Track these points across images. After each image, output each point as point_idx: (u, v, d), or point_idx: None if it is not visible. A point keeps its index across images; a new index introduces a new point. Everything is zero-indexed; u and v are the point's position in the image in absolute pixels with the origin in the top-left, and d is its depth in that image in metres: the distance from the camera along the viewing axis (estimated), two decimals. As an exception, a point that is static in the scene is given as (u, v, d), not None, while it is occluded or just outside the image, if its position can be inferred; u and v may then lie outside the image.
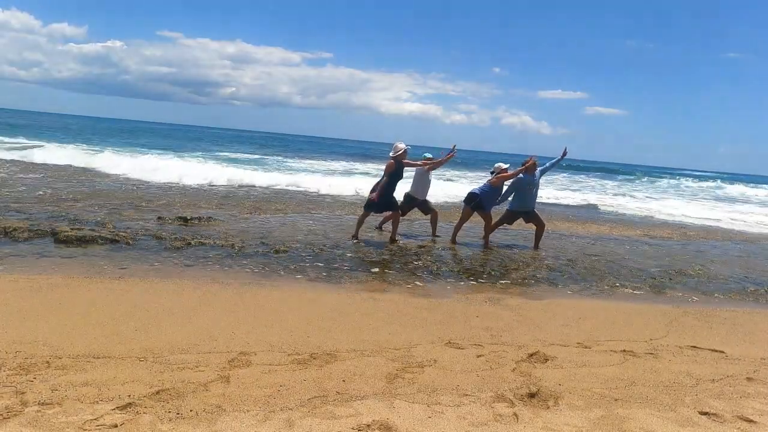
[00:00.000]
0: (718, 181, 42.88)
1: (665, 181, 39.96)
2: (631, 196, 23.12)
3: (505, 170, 8.03)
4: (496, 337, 3.99)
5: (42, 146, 20.08)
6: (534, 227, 8.29)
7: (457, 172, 26.92)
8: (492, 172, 8.12)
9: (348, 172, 23.64)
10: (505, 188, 8.10)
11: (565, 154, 8.35)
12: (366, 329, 3.95)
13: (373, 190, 7.77)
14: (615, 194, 23.31)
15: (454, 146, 8.44)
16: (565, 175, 33.02)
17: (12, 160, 15.78)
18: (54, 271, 4.95)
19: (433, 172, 8.49)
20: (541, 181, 8.28)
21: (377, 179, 8.03)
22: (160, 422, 2.42)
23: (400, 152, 7.57)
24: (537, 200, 8.38)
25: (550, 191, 18.71)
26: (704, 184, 39.02)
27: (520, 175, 8.01)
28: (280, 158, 30.90)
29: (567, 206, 16.04)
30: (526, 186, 8.03)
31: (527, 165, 8.00)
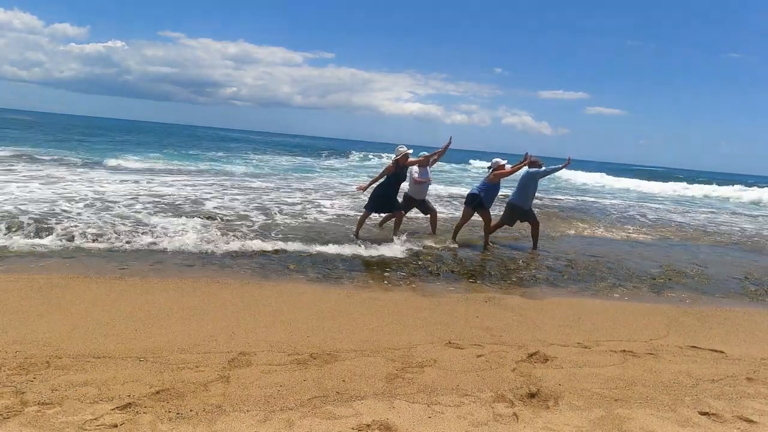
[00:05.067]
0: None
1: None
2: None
3: (503, 166, 8.05)
4: (496, 337, 3.99)
5: None
6: (530, 226, 8.34)
7: (456, 166, 26.93)
8: (489, 167, 8.14)
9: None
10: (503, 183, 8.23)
11: (567, 164, 8.35)
12: (366, 329, 3.95)
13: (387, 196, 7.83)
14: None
15: (450, 138, 8.67)
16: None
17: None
18: (54, 271, 4.95)
19: (431, 174, 8.58)
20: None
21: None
22: (160, 422, 2.42)
23: (400, 156, 7.67)
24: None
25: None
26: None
27: (526, 168, 8.08)
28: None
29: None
30: (530, 182, 8.08)
31: (526, 161, 8.04)
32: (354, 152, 45.44)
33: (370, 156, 41.71)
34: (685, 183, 33.14)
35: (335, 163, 31.49)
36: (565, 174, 27.34)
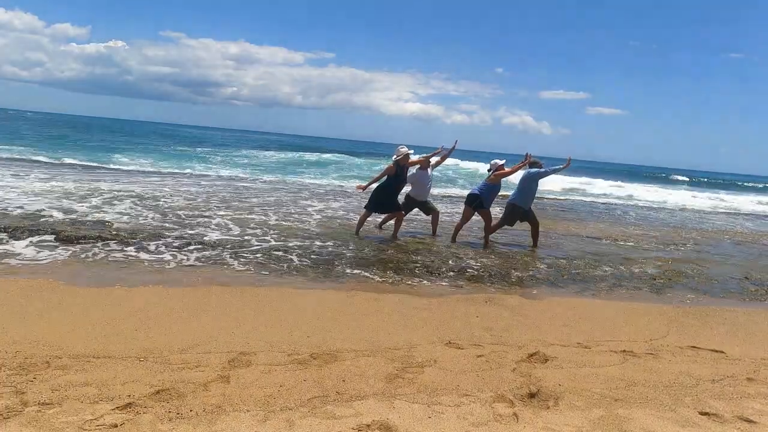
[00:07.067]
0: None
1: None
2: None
3: (502, 166, 8.05)
4: (496, 337, 3.99)
5: None
6: (530, 226, 8.35)
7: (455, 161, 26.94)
8: (489, 170, 8.14)
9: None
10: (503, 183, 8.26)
11: (567, 165, 8.34)
12: (366, 329, 3.95)
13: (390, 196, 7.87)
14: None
15: (456, 141, 8.79)
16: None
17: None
18: (54, 271, 4.95)
19: (431, 173, 8.58)
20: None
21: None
22: (160, 422, 2.42)
23: (401, 156, 7.66)
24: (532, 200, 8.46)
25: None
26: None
27: (527, 168, 8.07)
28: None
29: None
30: (530, 182, 8.08)
31: (526, 162, 8.03)
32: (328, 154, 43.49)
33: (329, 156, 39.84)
34: (687, 186, 33.32)
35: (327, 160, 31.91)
36: (568, 180, 27.32)
